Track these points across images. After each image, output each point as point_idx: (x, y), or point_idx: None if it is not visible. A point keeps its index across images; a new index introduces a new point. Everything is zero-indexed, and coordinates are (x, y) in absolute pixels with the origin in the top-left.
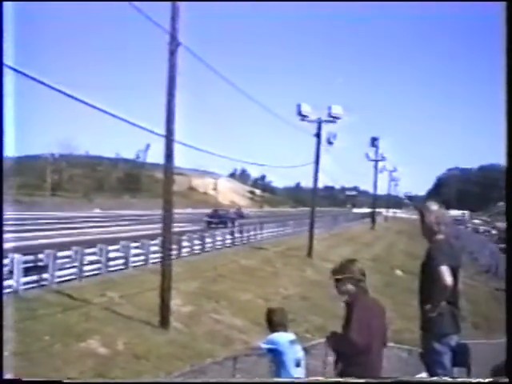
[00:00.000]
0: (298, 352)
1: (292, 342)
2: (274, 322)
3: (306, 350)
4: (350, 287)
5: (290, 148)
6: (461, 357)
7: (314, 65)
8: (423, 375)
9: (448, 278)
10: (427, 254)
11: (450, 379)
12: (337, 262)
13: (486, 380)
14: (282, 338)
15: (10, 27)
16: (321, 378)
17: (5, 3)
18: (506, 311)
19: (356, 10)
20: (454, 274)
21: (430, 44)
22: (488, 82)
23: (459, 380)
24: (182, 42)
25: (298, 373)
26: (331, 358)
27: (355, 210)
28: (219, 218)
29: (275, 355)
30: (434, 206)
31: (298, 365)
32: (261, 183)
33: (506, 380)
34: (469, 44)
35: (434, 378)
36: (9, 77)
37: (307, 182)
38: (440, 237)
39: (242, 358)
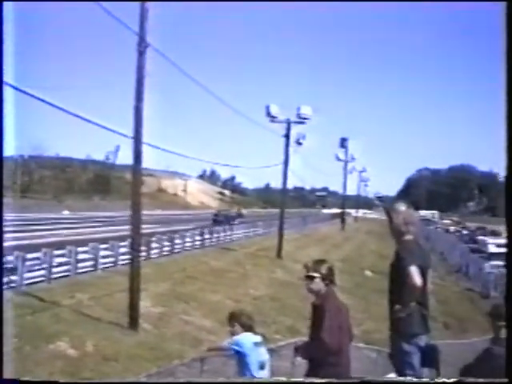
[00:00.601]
0: (262, 354)
1: (257, 345)
2: (237, 324)
3: (275, 350)
4: (321, 286)
5: (260, 149)
6: (430, 357)
7: (282, 66)
8: (392, 376)
9: (417, 279)
10: (396, 255)
11: (415, 379)
12: (310, 260)
13: (487, 380)
14: (247, 339)
15: None
16: (318, 380)
17: None
18: (506, 311)
19: (324, 8)
20: (423, 274)
21: (400, 44)
22: (459, 83)
23: (424, 380)
24: (150, 43)
25: (262, 375)
26: (300, 359)
27: (325, 211)
28: (223, 217)
29: (239, 357)
30: (402, 207)
31: (262, 367)
32: (230, 184)
33: (506, 380)
34: (442, 43)
35: (401, 378)
36: None
37: (277, 183)
38: (408, 237)
39: (209, 359)
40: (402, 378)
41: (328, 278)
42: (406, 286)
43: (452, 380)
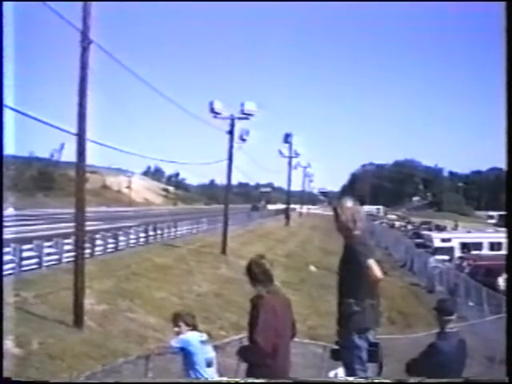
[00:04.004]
0: (208, 352)
1: (203, 343)
2: (182, 323)
3: (220, 347)
4: (259, 287)
5: (204, 145)
6: (373, 353)
7: (226, 62)
8: (339, 371)
9: (378, 271)
10: (348, 250)
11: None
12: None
13: (487, 380)
14: (193, 338)
15: None
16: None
17: None
18: (507, 312)
19: (273, 4)
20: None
21: (346, 38)
22: (406, 78)
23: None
24: (93, 40)
25: (210, 373)
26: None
27: (269, 207)
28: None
29: (186, 355)
30: (348, 203)
31: (209, 365)
32: (174, 181)
33: (506, 379)
34: (382, 38)
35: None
36: None
37: (221, 179)
38: (357, 233)
39: (155, 357)
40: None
41: (260, 278)
42: (362, 280)
43: (449, 380)
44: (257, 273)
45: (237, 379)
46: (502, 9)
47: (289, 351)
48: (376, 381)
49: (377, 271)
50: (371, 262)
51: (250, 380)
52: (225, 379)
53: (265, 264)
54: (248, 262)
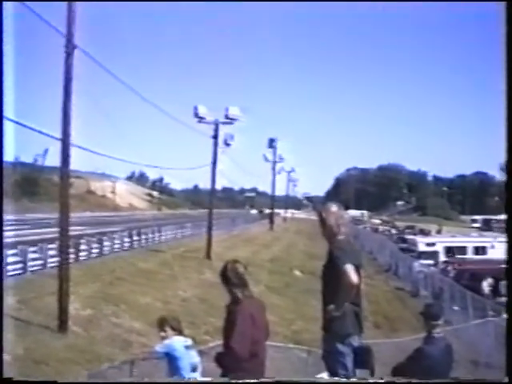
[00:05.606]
0: (193, 357)
1: (188, 347)
2: (168, 328)
3: (205, 352)
4: (234, 291)
5: (188, 150)
6: (363, 358)
7: (210, 66)
8: (324, 375)
9: (353, 277)
10: (330, 255)
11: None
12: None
13: (487, 380)
14: (178, 343)
15: None
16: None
17: None
18: (506, 312)
19: (250, 7)
20: (358, 273)
21: (330, 41)
22: (388, 83)
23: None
24: (78, 45)
25: (194, 378)
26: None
27: (254, 212)
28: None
29: (171, 360)
30: (333, 208)
31: (193, 370)
32: (159, 185)
33: (506, 380)
34: (376, 38)
35: (336, 379)
36: None
37: (205, 184)
38: (341, 237)
39: (139, 362)
40: (336, 379)
41: (234, 282)
42: (341, 285)
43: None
44: (231, 277)
45: (231, 380)
46: (502, 9)
47: (265, 354)
48: (359, 381)
49: (352, 276)
50: (348, 267)
51: (241, 381)
52: (221, 380)
53: (239, 268)
54: (222, 266)
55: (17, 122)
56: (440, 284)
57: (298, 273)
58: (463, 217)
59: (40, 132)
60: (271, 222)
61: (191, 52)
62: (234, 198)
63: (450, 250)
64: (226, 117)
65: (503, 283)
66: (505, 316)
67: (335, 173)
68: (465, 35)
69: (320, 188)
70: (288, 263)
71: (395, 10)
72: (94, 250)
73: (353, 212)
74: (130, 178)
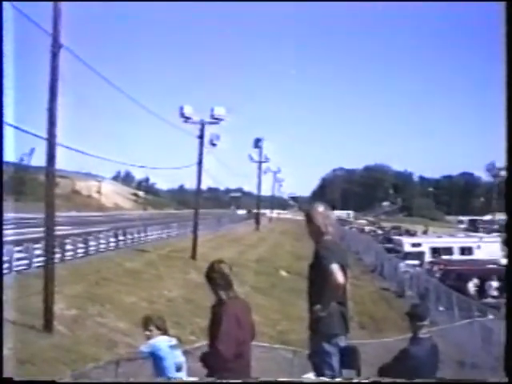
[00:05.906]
0: (178, 357)
1: (172, 347)
2: (153, 328)
3: (190, 352)
4: (218, 292)
5: (174, 150)
6: (350, 359)
7: (196, 66)
8: (310, 375)
9: (339, 276)
10: (316, 255)
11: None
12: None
13: (487, 380)
14: (162, 343)
15: None
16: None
17: None
18: (506, 312)
19: (237, 7)
20: (344, 273)
21: (313, 43)
22: (374, 84)
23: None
24: (64, 44)
25: (179, 377)
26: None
27: (239, 212)
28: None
29: (156, 360)
30: (320, 208)
31: (178, 370)
32: (144, 185)
33: (506, 379)
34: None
35: (323, 379)
36: None
37: (191, 184)
38: (327, 237)
39: (124, 362)
40: (323, 378)
41: (220, 283)
42: (327, 285)
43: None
44: (216, 277)
45: (217, 380)
46: (502, 9)
47: (250, 355)
48: (345, 381)
49: (338, 276)
50: (333, 267)
51: (225, 381)
52: (206, 380)
53: (224, 268)
54: (207, 266)
55: (2, 122)
56: (426, 284)
57: (284, 273)
58: (449, 217)
59: (26, 131)
60: (257, 222)
61: (177, 52)
62: (219, 198)
63: (435, 251)
64: (212, 117)
65: (489, 284)
66: (491, 317)
67: (321, 173)
68: (465, 35)
69: (306, 188)
70: (274, 263)
71: (394, 9)
72: (79, 250)
73: (339, 212)
74: (115, 178)
